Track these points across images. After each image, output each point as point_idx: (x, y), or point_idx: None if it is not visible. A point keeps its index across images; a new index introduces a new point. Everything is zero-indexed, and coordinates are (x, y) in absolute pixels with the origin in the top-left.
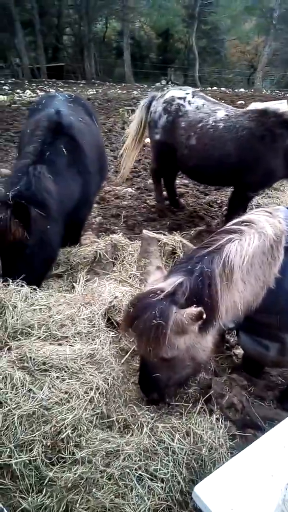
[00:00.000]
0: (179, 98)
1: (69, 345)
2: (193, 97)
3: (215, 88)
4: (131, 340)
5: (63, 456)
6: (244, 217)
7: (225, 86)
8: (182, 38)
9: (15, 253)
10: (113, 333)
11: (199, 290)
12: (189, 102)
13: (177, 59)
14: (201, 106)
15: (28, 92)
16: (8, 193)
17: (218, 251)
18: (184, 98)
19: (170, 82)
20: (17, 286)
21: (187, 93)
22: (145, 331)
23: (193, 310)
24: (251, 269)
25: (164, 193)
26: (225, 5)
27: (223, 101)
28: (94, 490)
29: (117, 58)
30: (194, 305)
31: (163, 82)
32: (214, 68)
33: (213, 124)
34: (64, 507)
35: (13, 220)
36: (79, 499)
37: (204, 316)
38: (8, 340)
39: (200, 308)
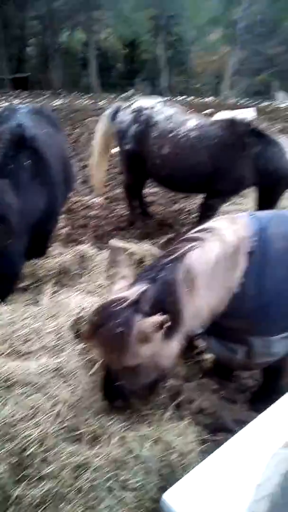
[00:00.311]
0: (148, 108)
1: (35, 359)
2: (162, 106)
3: (184, 97)
4: (95, 349)
5: (29, 472)
6: (206, 225)
7: (193, 95)
8: (148, 48)
9: None
10: (81, 344)
11: (163, 298)
12: (159, 112)
13: (144, 69)
14: (171, 115)
15: None
16: None
17: (181, 259)
18: (153, 108)
19: (137, 92)
20: None
21: (155, 103)
22: (108, 340)
23: (156, 318)
24: (213, 275)
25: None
26: (190, 16)
27: (191, 110)
28: (62, 504)
29: (83, 69)
30: (158, 313)
31: (131, 92)
32: (181, 78)
33: (185, 133)
34: None
35: None
36: None
37: (168, 324)
38: None
39: (163, 316)
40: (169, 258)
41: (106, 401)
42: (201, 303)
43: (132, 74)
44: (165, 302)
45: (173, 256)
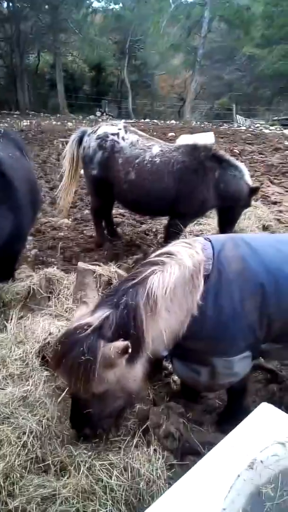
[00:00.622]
0: (113, 134)
1: (1, 388)
2: (125, 132)
3: (147, 120)
4: (61, 378)
5: None
6: (165, 249)
7: (157, 118)
8: (114, 71)
9: None
10: (47, 371)
11: (125, 322)
12: (123, 138)
13: (111, 91)
14: (136, 141)
15: None
16: None
17: (142, 283)
18: (117, 134)
19: (104, 114)
20: None
21: (119, 129)
22: (74, 368)
23: (119, 344)
24: (174, 298)
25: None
26: (153, 41)
27: (155, 133)
28: None
29: (51, 90)
30: (121, 339)
31: (98, 113)
32: (145, 100)
33: (150, 159)
34: None
35: None
36: None
37: (130, 349)
38: None
39: (126, 342)
40: (131, 283)
41: (74, 430)
42: (162, 327)
43: (99, 96)
44: (128, 327)
45: (134, 281)
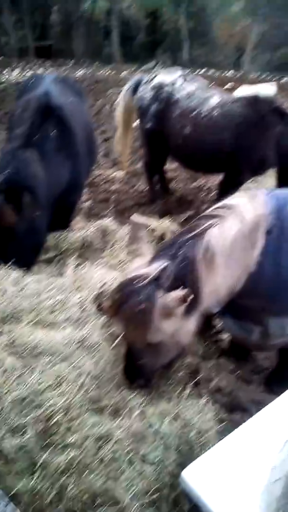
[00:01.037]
0: (169, 84)
1: (60, 330)
2: (183, 82)
3: (204, 70)
4: (117, 327)
5: (55, 440)
6: (225, 202)
7: (214, 68)
8: (170, 19)
9: (5, 238)
10: (103, 318)
11: (183, 275)
12: (180, 89)
13: (166, 40)
14: (193, 92)
15: (15, 72)
16: None
17: (200, 236)
18: (174, 84)
19: (159, 64)
20: (7, 270)
21: (176, 78)
22: (131, 317)
23: (179, 292)
24: (232, 253)
25: None
26: None
27: (212, 84)
28: (86, 473)
29: (106, 38)
30: (179, 288)
31: (152, 63)
32: (202, 50)
33: (207, 112)
34: (57, 490)
35: (5, 205)
36: (71, 482)
37: (190, 298)
38: None
39: (186, 291)
40: (189, 235)
41: (127, 380)
42: (219, 281)
43: (154, 45)
44: (185, 279)
45: (193, 233)
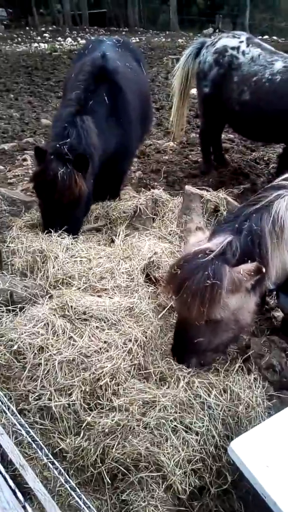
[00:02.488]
0: (233, 48)
1: (109, 297)
2: (247, 46)
3: (266, 37)
4: (176, 303)
5: (101, 402)
6: None
7: (277, 35)
8: None
9: (70, 207)
10: (151, 288)
11: (250, 249)
12: (243, 53)
13: (226, 5)
14: (257, 57)
15: (69, 40)
16: (58, 145)
17: (267, 208)
18: (238, 48)
19: (217, 30)
20: (58, 237)
21: (241, 41)
22: (198, 292)
23: (250, 266)
24: None
25: None
26: None
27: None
28: (130, 437)
29: (162, 4)
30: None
31: (210, 30)
32: (265, 15)
33: (269, 77)
34: (100, 451)
35: (77, 174)
36: (115, 444)
37: (263, 270)
38: (49, 289)
39: (257, 263)
40: (254, 207)
41: (176, 358)
42: (286, 257)
43: (213, 11)
44: (253, 254)
45: (258, 205)
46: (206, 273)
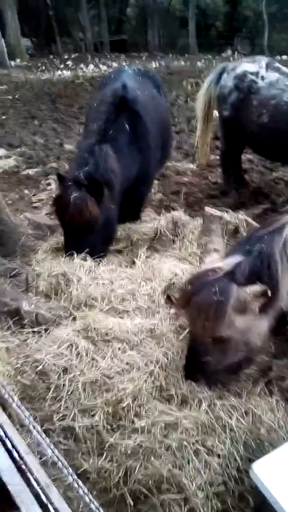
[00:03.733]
0: (252, 73)
1: (130, 318)
2: (267, 70)
3: (284, 57)
4: (185, 318)
5: (123, 423)
6: None
7: None
8: (251, 4)
9: (85, 230)
10: (172, 310)
11: (259, 270)
12: (262, 78)
13: (244, 27)
14: (275, 81)
15: (91, 67)
16: (79, 173)
17: (279, 230)
18: (257, 73)
19: (236, 52)
20: (82, 260)
21: (260, 67)
22: (204, 307)
23: (256, 287)
24: None
25: None
26: None
27: None
28: (152, 458)
29: (181, 29)
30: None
31: (229, 52)
32: (284, 35)
33: (287, 100)
34: (123, 472)
35: (90, 198)
36: (138, 466)
37: (269, 293)
38: (73, 311)
39: (264, 286)
40: (266, 230)
41: (186, 378)
42: None
43: (231, 33)
44: (262, 275)
45: (271, 228)
46: (213, 289)
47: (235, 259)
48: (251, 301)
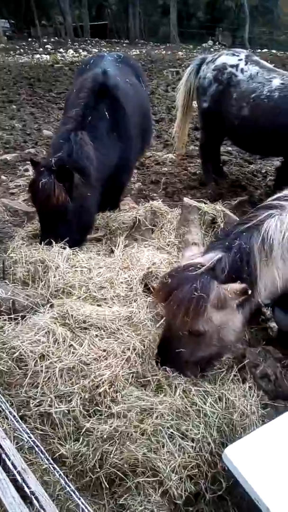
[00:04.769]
0: (232, 66)
1: (108, 306)
2: (246, 63)
3: (265, 50)
4: (163, 310)
5: (99, 409)
6: (286, 192)
7: (277, 48)
8: None
9: (56, 217)
10: (149, 298)
11: (238, 266)
12: (242, 70)
13: (226, 18)
14: (255, 74)
15: (70, 51)
16: (51, 159)
17: (257, 227)
18: (236, 66)
19: (217, 43)
20: (60, 247)
21: (240, 59)
22: (184, 301)
23: (237, 286)
24: None
25: None
26: None
27: (273, 65)
28: (128, 443)
29: (163, 17)
30: (238, 282)
31: (210, 43)
32: (264, 28)
33: (268, 94)
34: (99, 456)
35: (57, 184)
36: (114, 450)
37: (249, 292)
38: (50, 298)
39: (244, 284)
40: (245, 226)
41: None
42: (276, 274)
43: (213, 24)
44: (241, 272)
45: (249, 224)
46: (194, 285)
47: (215, 255)
48: (230, 298)
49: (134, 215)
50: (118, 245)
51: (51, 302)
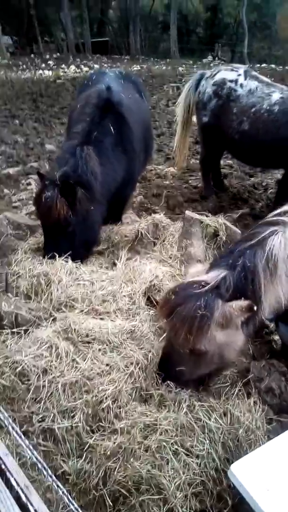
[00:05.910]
0: (231, 81)
1: (111, 320)
2: (245, 79)
3: (264, 65)
4: (167, 327)
5: (103, 425)
6: (286, 207)
7: (275, 63)
8: (231, 12)
9: (59, 230)
10: (152, 311)
11: (243, 285)
12: (241, 85)
13: (225, 34)
14: (254, 89)
15: (72, 67)
16: (55, 173)
17: (261, 244)
18: (236, 81)
19: (216, 58)
20: (63, 261)
21: (239, 75)
22: (187, 319)
23: (242, 303)
24: None
25: None
26: None
27: (272, 79)
28: (131, 459)
29: (163, 33)
30: (241, 299)
31: (210, 58)
32: (263, 44)
33: (267, 108)
34: (102, 473)
35: (59, 198)
36: (117, 467)
37: (255, 308)
38: (53, 312)
39: (249, 301)
40: (248, 243)
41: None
42: (281, 292)
43: (212, 40)
44: (246, 290)
45: (252, 242)
46: (199, 303)
47: (220, 273)
48: (236, 316)
49: (136, 228)
50: (121, 258)
51: (54, 316)
